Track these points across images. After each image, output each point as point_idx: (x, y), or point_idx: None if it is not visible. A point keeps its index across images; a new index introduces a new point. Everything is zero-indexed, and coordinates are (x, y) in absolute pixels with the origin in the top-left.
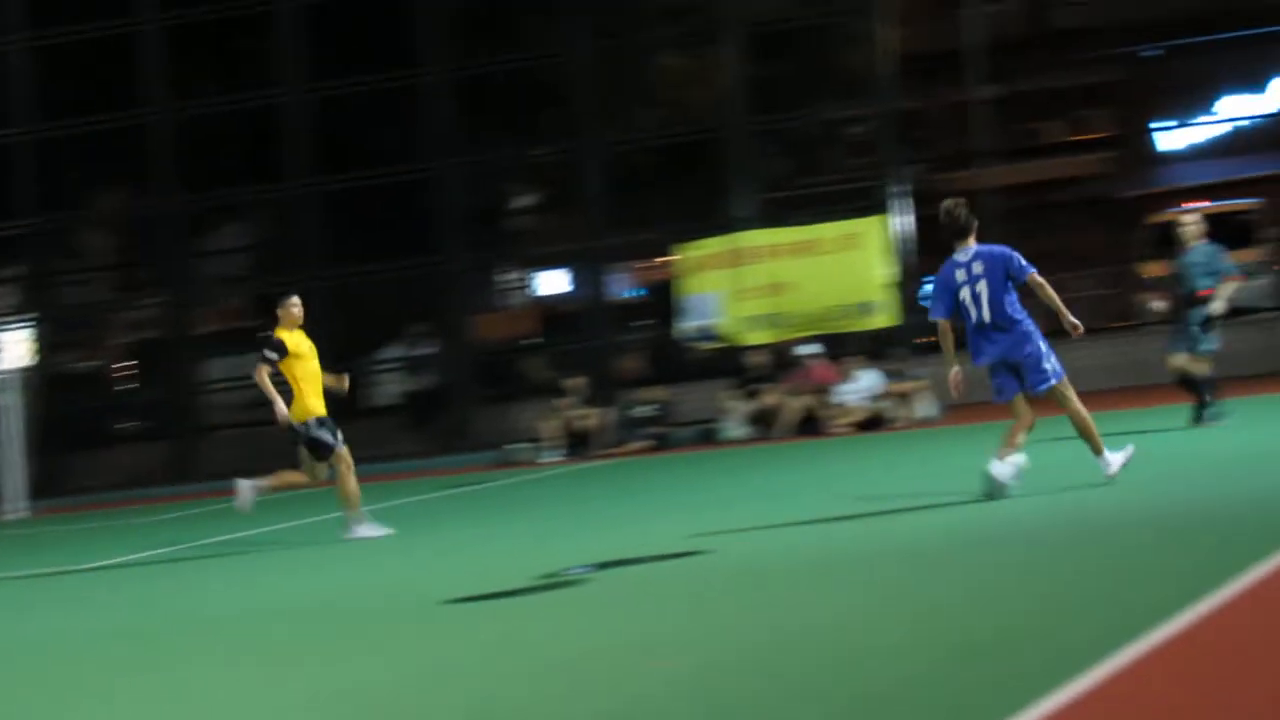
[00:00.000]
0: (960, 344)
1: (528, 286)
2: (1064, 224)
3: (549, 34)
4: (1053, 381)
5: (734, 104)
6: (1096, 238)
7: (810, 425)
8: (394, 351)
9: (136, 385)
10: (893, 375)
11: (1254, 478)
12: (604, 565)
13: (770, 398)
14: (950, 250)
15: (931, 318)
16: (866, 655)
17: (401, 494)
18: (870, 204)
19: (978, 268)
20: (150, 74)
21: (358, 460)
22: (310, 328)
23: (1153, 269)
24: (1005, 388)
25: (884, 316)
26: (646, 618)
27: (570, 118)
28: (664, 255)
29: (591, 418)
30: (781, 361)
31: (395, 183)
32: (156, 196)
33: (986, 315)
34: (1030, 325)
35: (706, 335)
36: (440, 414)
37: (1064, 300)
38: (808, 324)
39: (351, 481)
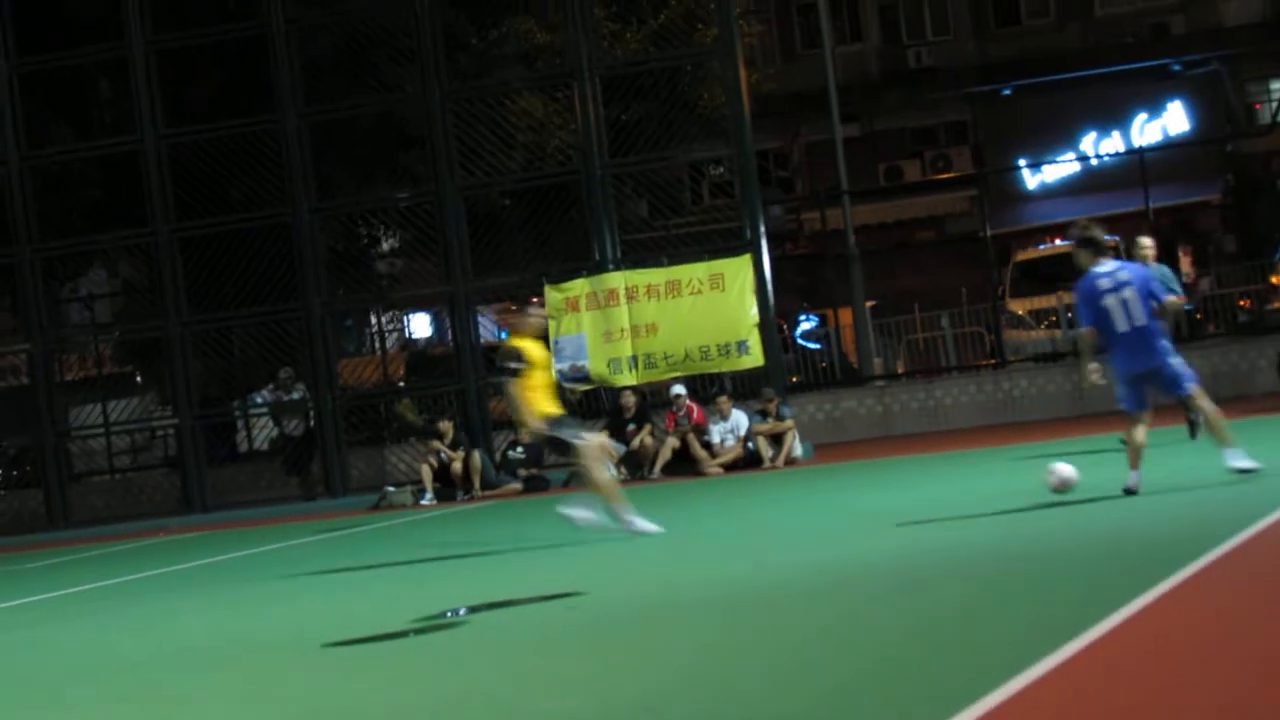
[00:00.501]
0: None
1: (395, 330)
2: (927, 262)
3: (405, 77)
4: (1193, 384)
5: (593, 146)
6: (960, 275)
7: (683, 466)
8: (263, 396)
9: (3, 433)
10: (763, 416)
11: (1137, 513)
12: (483, 607)
13: (642, 438)
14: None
15: (1082, 326)
16: (736, 697)
17: (278, 538)
18: (734, 244)
19: (1123, 275)
20: (4, 122)
21: (233, 504)
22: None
23: (1017, 305)
24: (1133, 398)
25: (752, 357)
26: (526, 659)
27: (429, 161)
28: (530, 297)
29: (464, 460)
30: (652, 402)
31: (257, 227)
32: (14, 242)
33: (1131, 322)
34: (1165, 335)
35: (576, 376)
36: (313, 458)
37: (932, 338)
38: (676, 364)
39: (603, 473)
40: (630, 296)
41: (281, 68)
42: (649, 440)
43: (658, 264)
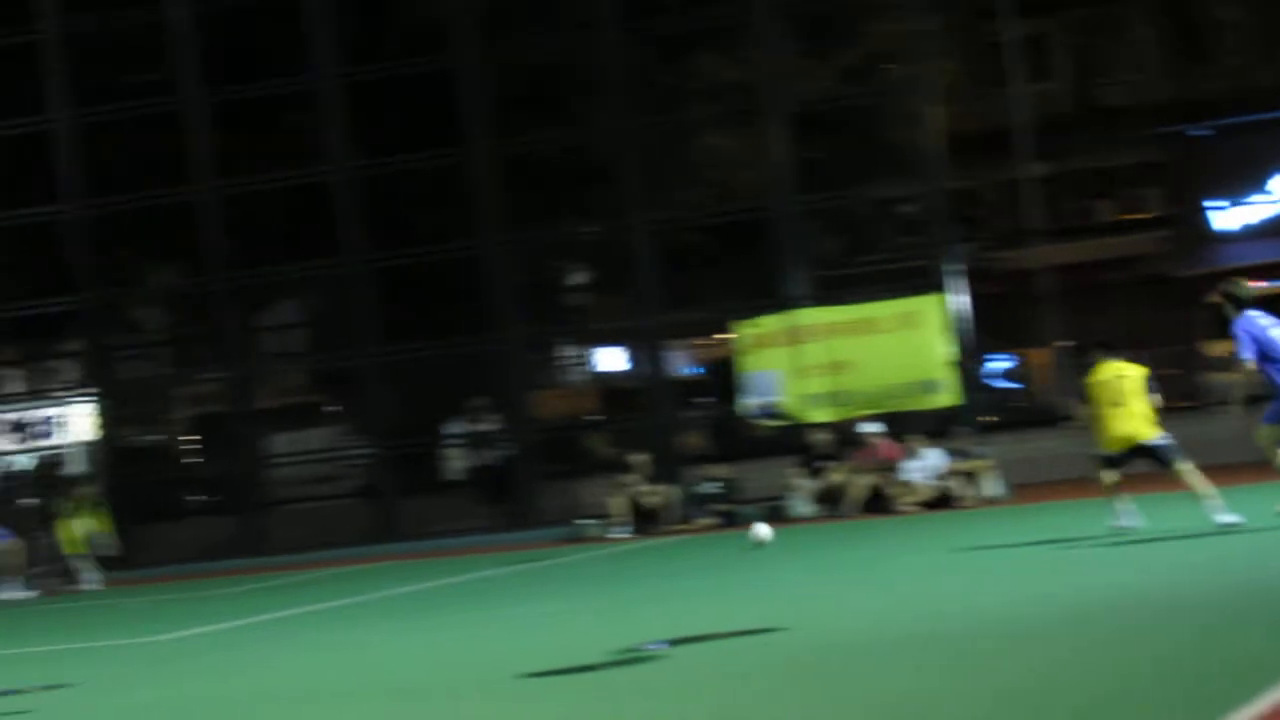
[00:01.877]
0: None
1: (586, 363)
2: (1118, 303)
3: (594, 112)
4: None
5: (783, 182)
6: (1152, 317)
7: (877, 503)
8: (455, 427)
9: (201, 459)
10: (957, 454)
11: None
12: (678, 641)
13: (836, 476)
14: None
15: (1242, 357)
16: None
17: (471, 569)
18: (923, 282)
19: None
20: (198, 151)
21: (427, 534)
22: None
23: (1215, 347)
24: None
25: (946, 395)
26: (724, 694)
27: (618, 196)
28: (719, 333)
29: (657, 494)
30: (845, 439)
31: (448, 260)
32: (210, 272)
33: None
34: None
35: (769, 413)
36: (506, 490)
37: None
38: (869, 402)
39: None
40: (823, 333)
41: (471, 102)
42: (842, 477)
43: (849, 301)
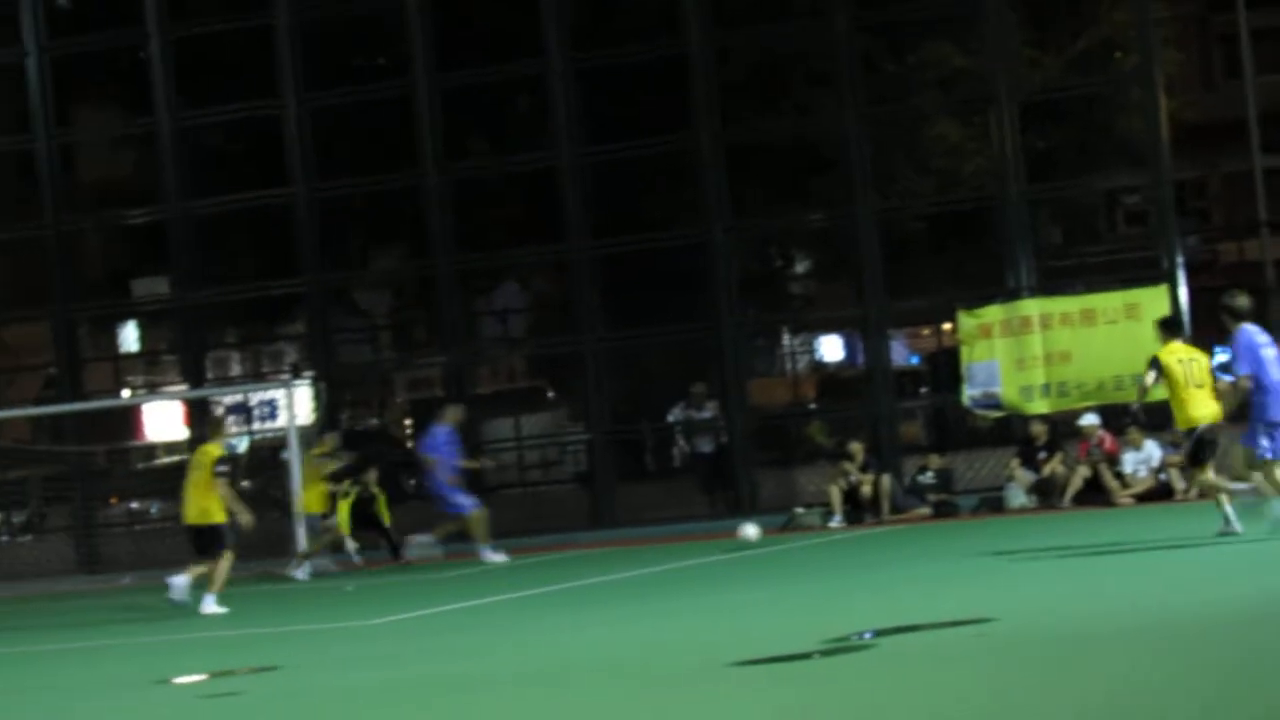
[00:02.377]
0: None
1: (805, 352)
2: None
3: (821, 100)
4: None
5: (1009, 172)
6: None
7: (1094, 495)
8: (674, 414)
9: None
10: (1175, 447)
11: None
12: (892, 631)
13: (1053, 467)
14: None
15: (1241, 373)
16: None
17: (687, 556)
18: (1148, 274)
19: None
20: (426, 135)
21: (642, 521)
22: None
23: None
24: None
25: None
26: (938, 686)
27: (844, 184)
28: (938, 322)
29: (873, 484)
30: (1064, 430)
31: (672, 246)
32: (433, 256)
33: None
34: None
35: (988, 403)
36: (723, 477)
37: None
38: (1089, 394)
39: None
40: (1044, 324)
41: (699, 87)
42: (1060, 469)
43: (1073, 292)
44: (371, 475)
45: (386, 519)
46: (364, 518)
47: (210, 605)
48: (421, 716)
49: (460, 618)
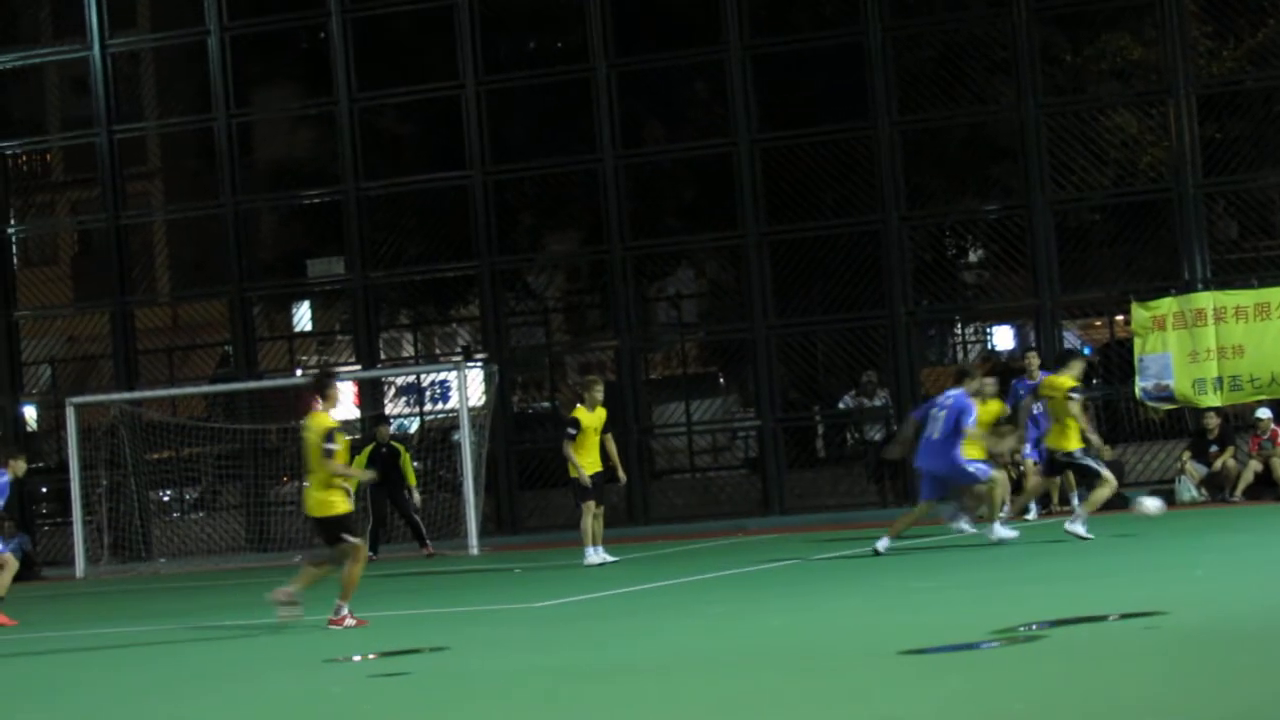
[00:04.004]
0: None
1: (979, 341)
2: None
3: (999, 89)
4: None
5: (1187, 164)
6: None
7: (1266, 489)
8: (846, 402)
9: None
10: None
11: None
12: (1063, 622)
13: (1225, 460)
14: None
15: None
16: None
17: (855, 544)
18: None
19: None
20: (604, 119)
21: (812, 508)
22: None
23: None
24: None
25: None
26: (1104, 677)
27: (1020, 174)
28: (1115, 314)
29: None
30: (1236, 424)
31: (846, 233)
32: (608, 241)
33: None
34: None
35: (1162, 396)
36: (893, 465)
37: None
38: (1262, 388)
39: None
40: (1218, 317)
41: (877, 75)
42: (1231, 463)
43: (1248, 285)
44: None
45: None
46: None
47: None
48: (581, 700)
49: (626, 602)
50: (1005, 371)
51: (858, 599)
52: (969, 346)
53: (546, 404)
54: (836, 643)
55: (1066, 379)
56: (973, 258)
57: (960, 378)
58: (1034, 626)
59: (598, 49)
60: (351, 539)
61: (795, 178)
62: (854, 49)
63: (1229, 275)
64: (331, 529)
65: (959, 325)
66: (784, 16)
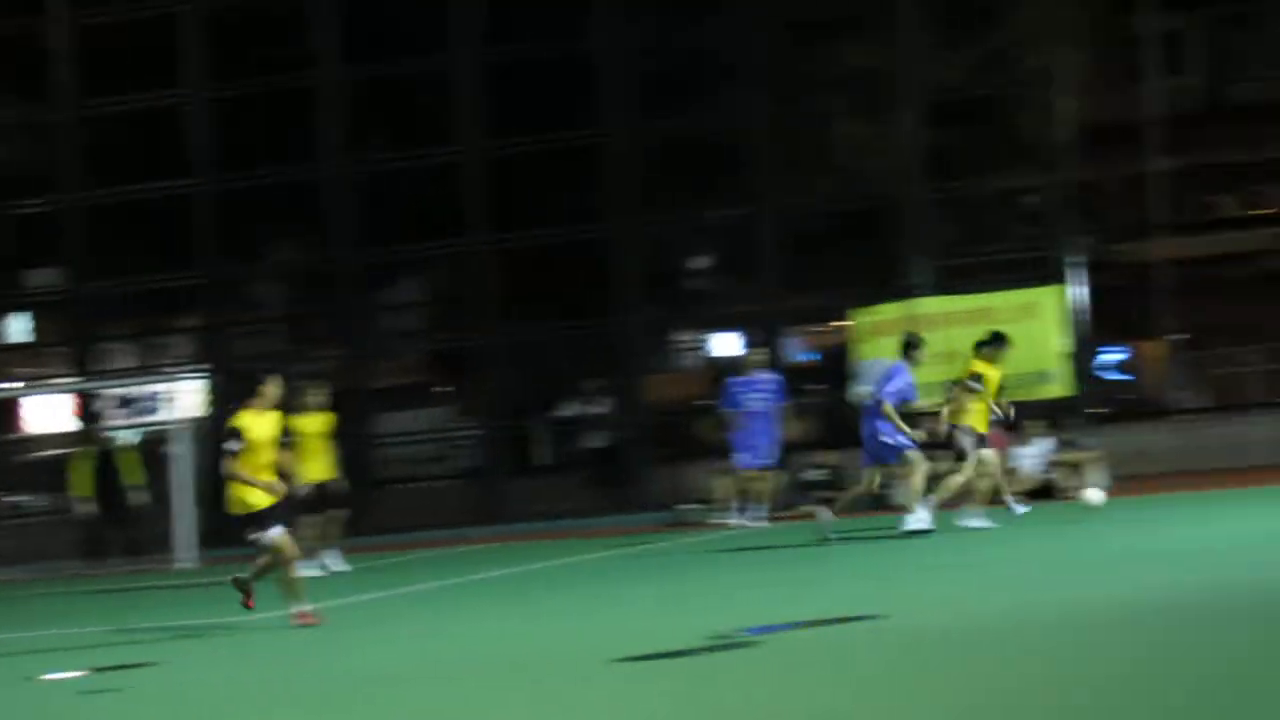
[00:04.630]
0: None
1: (702, 348)
2: (1237, 298)
3: (728, 98)
4: None
5: (910, 171)
6: (1270, 312)
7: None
8: (568, 410)
9: None
10: (1065, 445)
11: None
12: (776, 628)
13: (944, 464)
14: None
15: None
16: None
17: (576, 551)
18: (1044, 274)
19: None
20: (329, 128)
21: (534, 516)
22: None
23: None
24: None
25: (1058, 386)
26: (820, 681)
27: (748, 182)
28: (837, 320)
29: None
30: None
31: (573, 241)
32: (333, 250)
33: None
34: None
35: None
36: (614, 473)
37: (1240, 373)
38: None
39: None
40: (940, 323)
41: (605, 84)
42: (949, 466)
43: (968, 291)
44: None
45: None
46: None
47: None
48: (297, 715)
49: (341, 614)
50: (727, 373)
51: (575, 607)
52: (694, 353)
53: None
54: (550, 651)
55: (976, 364)
56: (700, 265)
57: (906, 348)
58: (752, 631)
59: (324, 57)
60: (262, 537)
61: (524, 186)
62: (583, 57)
63: (952, 281)
64: (243, 526)
65: (685, 332)
66: (513, 25)
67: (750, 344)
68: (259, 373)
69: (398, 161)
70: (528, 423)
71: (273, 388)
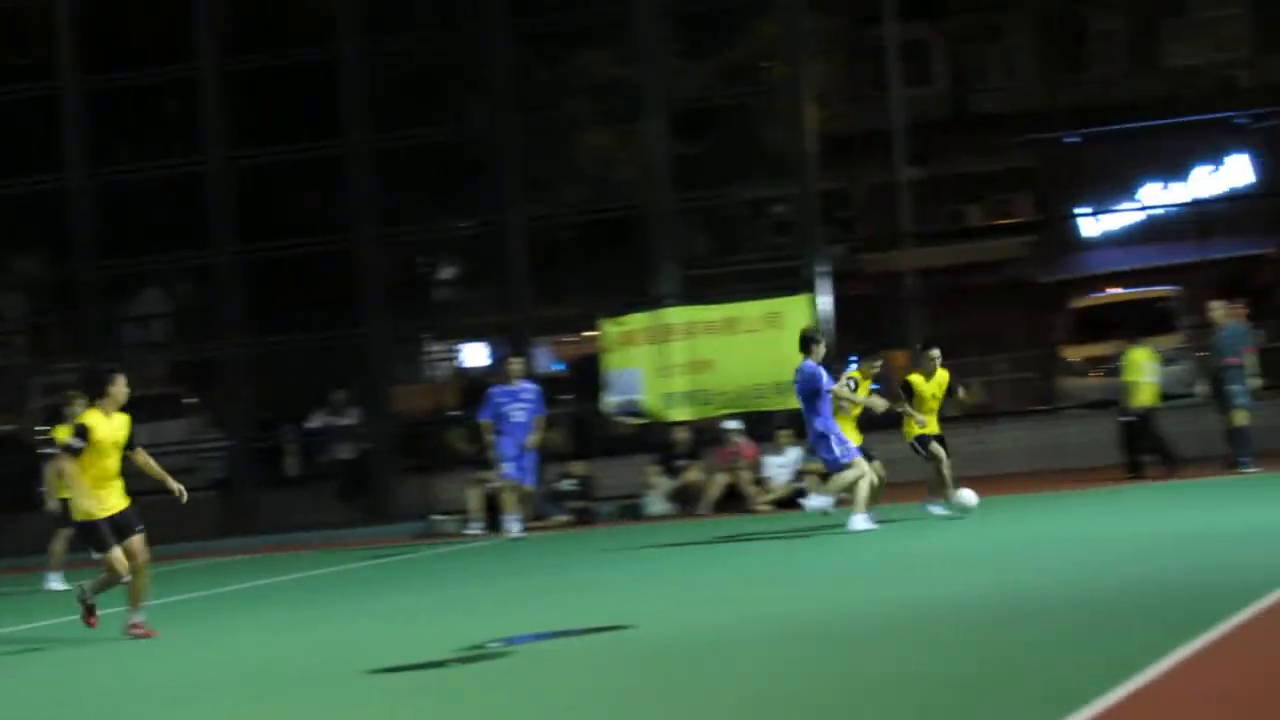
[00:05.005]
0: None
1: (450, 359)
2: (984, 307)
3: (473, 106)
4: None
5: (658, 180)
6: (1016, 321)
7: (733, 502)
8: (316, 421)
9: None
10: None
11: (1176, 558)
12: (525, 638)
13: (693, 474)
14: None
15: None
16: None
17: (326, 563)
18: (793, 283)
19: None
20: (72, 137)
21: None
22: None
23: (1072, 352)
24: None
25: None
26: (568, 691)
27: (494, 191)
28: (587, 330)
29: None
30: (704, 438)
31: (318, 252)
32: (76, 260)
33: None
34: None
35: (630, 411)
36: (363, 484)
37: (984, 381)
38: (730, 401)
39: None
40: (688, 332)
41: (350, 95)
42: (699, 475)
43: (717, 300)
44: None
45: None
46: None
47: None
48: None
49: (81, 630)
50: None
51: (328, 618)
52: (441, 364)
53: (9, 426)
54: (302, 664)
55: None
56: (447, 275)
57: (807, 345)
58: (502, 643)
59: (65, 66)
60: (96, 553)
61: (269, 196)
62: (327, 66)
63: (699, 290)
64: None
65: (432, 342)
66: (258, 34)
67: (509, 353)
68: (104, 371)
69: (142, 171)
70: (277, 434)
71: (121, 387)
